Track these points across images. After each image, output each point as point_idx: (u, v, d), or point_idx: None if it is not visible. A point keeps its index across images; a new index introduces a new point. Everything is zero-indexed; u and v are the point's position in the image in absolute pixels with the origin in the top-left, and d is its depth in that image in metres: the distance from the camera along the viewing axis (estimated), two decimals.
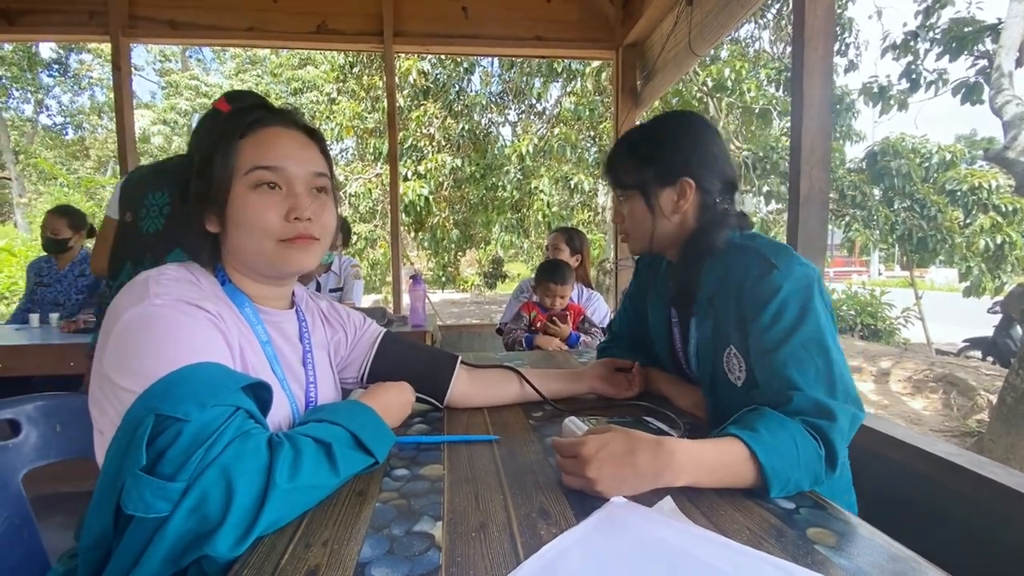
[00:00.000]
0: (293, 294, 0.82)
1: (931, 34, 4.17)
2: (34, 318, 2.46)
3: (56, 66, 16.61)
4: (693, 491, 0.62)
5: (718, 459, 0.63)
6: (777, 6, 7.07)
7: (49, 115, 17.84)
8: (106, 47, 3.29)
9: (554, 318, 2.15)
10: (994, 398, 3.40)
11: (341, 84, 8.67)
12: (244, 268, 0.73)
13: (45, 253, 2.69)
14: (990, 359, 5.44)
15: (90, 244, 2.72)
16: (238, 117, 0.71)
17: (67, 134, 18.13)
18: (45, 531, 0.83)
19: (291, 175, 0.69)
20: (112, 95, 3.21)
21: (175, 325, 0.59)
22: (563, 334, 2.15)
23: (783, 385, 0.71)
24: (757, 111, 6.78)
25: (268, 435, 0.57)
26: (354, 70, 8.28)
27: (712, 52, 6.18)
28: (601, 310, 2.43)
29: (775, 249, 0.80)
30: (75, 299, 2.64)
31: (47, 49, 16.35)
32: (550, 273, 2.16)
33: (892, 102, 4.98)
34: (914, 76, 4.37)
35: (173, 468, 0.50)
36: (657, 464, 0.61)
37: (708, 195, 0.88)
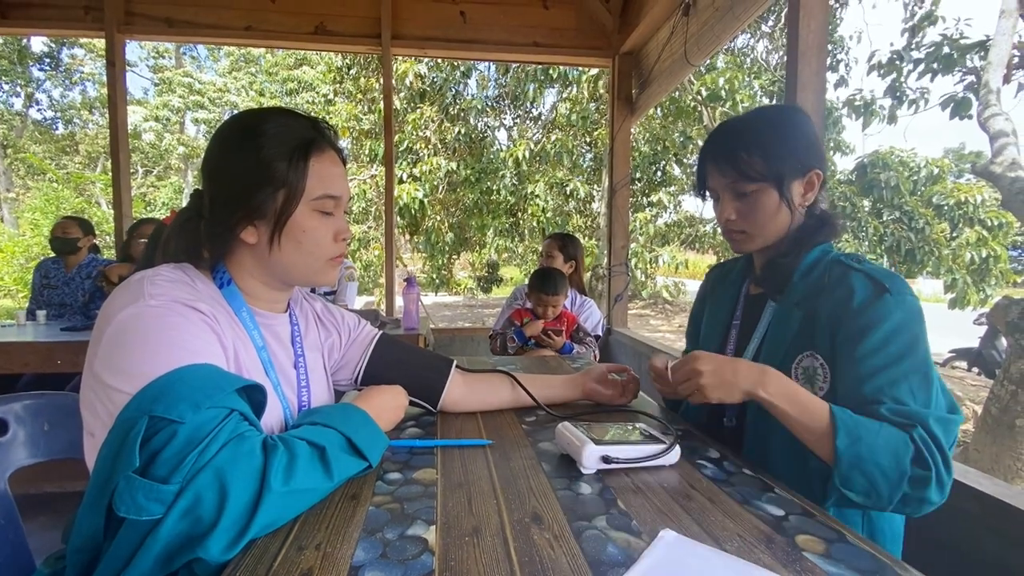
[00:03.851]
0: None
1: (915, 53, 4.27)
2: (41, 315, 2.49)
3: (47, 60, 16.44)
4: (684, 497, 0.63)
5: (800, 398, 0.73)
6: (772, 19, 7.17)
7: (39, 109, 17.66)
8: (99, 42, 3.27)
9: (548, 331, 2.15)
10: (979, 408, 3.45)
11: (337, 85, 8.67)
12: (267, 276, 0.74)
13: (53, 255, 2.77)
14: (975, 370, 5.53)
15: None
16: (298, 134, 0.70)
17: (57, 129, 17.94)
18: (29, 531, 0.81)
19: (342, 202, 0.75)
20: (104, 90, 3.20)
21: (169, 326, 0.59)
22: (557, 346, 2.14)
23: (884, 399, 0.72)
24: None
25: (262, 438, 0.57)
26: (351, 71, 8.28)
27: (707, 62, 6.25)
28: (594, 317, 2.43)
29: (888, 274, 0.80)
30: (80, 300, 2.69)
31: (38, 43, 16.20)
32: (542, 283, 2.15)
33: (874, 116, 5.15)
34: (898, 94, 4.51)
35: (166, 470, 0.50)
36: (753, 374, 0.74)
37: (822, 189, 0.89)
